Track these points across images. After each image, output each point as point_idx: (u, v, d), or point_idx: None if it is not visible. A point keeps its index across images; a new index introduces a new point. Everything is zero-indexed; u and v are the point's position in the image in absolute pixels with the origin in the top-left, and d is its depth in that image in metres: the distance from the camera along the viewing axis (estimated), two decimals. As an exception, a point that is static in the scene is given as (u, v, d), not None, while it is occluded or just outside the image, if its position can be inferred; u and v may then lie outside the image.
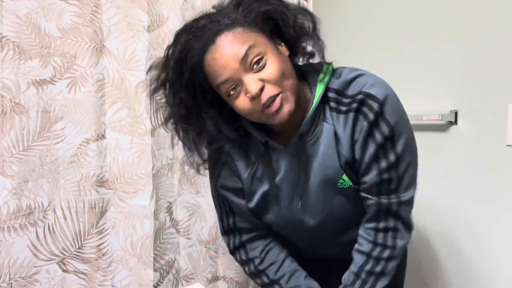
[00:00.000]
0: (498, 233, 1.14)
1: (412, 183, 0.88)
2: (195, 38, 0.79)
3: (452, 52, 1.24)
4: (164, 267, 1.47)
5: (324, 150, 0.87)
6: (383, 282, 0.90)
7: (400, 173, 0.84)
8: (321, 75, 0.86)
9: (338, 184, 0.89)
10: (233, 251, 1.06)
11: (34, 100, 1.25)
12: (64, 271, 1.32)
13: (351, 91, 0.83)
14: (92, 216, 1.34)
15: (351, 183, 0.88)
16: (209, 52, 0.78)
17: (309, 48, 0.88)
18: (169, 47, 0.83)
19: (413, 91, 1.34)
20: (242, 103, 0.79)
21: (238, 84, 0.78)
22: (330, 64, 0.88)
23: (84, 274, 1.34)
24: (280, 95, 0.78)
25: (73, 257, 1.33)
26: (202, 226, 1.54)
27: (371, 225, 0.90)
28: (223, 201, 1.03)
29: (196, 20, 0.82)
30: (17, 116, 1.23)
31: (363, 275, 0.90)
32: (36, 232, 1.27)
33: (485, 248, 1.17)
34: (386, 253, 0.89)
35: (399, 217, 0.87)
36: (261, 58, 0.77)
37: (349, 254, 0.96)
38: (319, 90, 0.84)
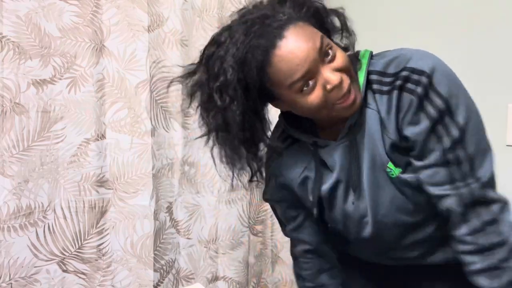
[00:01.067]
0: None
1: (487, 154, 0.78)
2: (256, 35, 0.72)
3: (452, 52, 1.24)
4: (164, 267, 1.47)
5: (369, 137, 0.80)
6: None
7: (469, 149, 0.74)
8: (359, 64, 0.81)
9: (388, 171, 0.81)
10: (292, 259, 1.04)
11: (34, 100, 1.25)
12: (64, 271, 1.31)
13: (393, 68, 0.77)
14: (92, 216, 1.34)
15: (397, 172, 0.80)
16: (279, 48, 0.71)
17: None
18: (216, 47, 0.75)
19: (413, 91, 1.34)
20: (317, 96, 0.73)
21: (313, 77, 0.72)
22: (366, 50, 0.83)
23: (84, 274, 1.34)
24: (352, 85, 0.75)
25: (73, 257, 1.33)
26: (202, 226, 1.54)
27: (463, 231, 0.75)
28: (273, 210, 1.03)
29: (243, 16, 0.75)
30: (17, 116, 1.22)
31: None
32: (36, 232, 1.27)
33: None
34: (500, 254, 0.74)
35: (489, 202, 0.75)
36: (331, 48, 0.74)
37: (423, 259, 0.88)
38: (361, 79, 0.79)
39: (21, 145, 1.24)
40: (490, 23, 1.14)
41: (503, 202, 0.76)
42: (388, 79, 0.77)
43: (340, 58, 0.74)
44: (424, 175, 0.77)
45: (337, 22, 0.82)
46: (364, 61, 0.80)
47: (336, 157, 0.84)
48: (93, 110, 1.33)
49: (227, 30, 0.75)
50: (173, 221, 1.50)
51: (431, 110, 0.73)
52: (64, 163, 1.30)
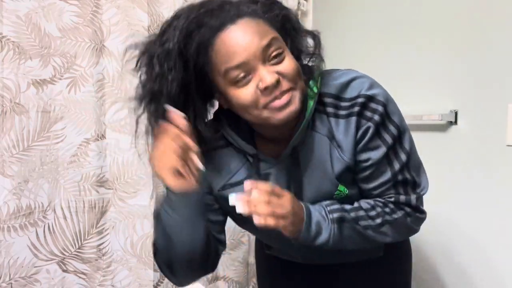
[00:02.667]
0: (498, 233, 1.14)
1: (422, 169, 0.86)
2: (209, 14, 0.73)
3: (452, 52, 1.24)
4: (164, 267, 1.47)
5: (316, 163, 0.82)
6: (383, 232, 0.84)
7: (412, 169, 0.82)
8: (311, 87, 0.80)
9: (335, 195, 0.84)
10: None
11: (34, 100, 1.25)
12: (64, 271, 1.32)
13: (349, 94, 0.79)
14: (92, 216, 1.34)
15: (347, 191, 0.84)
16: (227, 31, 0.71)
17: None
18: (173, 18, 0.76)
19: (413, 91, 1.34)
20: (248, 93, 0.72)
21: (250, 72, 0.72)
22: (319, 71, 0.82)
23: (84, 274, 1.34)
24: (291, 92, 0.73)
25: (73, 257, 1.33)
26: (202, 226, 1.54)
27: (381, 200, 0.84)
28: None
29: (210, 0, 0.76)
30: (17, 116, 1.23)
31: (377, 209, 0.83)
32: (36, 232, 1.27)
33: (485, 247, 1.17)
34: (389, 214, 0.83)
35: (415, 209, 0.84)
36: (281, 53, 0.73)
37: (350, 259, 0.93)
38: (311, 103, 0.79)
39: (21, 145, 1.24)
40: (490, 23, 1.14)
41: (423, 214, 0.87)
42: (345, 104, 0.79)
43: (288, 65, 0.73)
44: (370, 192, 0.84)
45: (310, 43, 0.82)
46: (315, 89, 0.80)
47: (275, 175, 0.85)
48: (93, 110, 1.33)
49: (188, 5, 0.76)
50: (173, 221, 1.50)
51: (387, 137, 0.79)
52: (64, 163, 1.30)
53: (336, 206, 0.82)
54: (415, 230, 0.89)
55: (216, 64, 0.73)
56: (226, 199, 0.81)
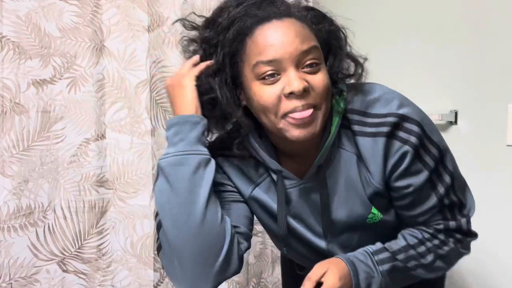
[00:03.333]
0: (498, 233, 1.14)
1: (467, 189, 0.81)
2: (258, 5, 0.71)
3: (452, 52, 1.24)
4: (164, 267, 1.47)
5: (345, 183, 0.76)
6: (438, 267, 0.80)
7: (459, 191, 0.77)
8: (337, 102, 0.75)
9: (368, 220, 0.79)
10: None
11: (34, 100, 1.25)
12: (64, 271, 1.31)
13: (377, 110, 0.73)
14: (92, 216, 1.34)
15: (381, 216, 0.79)
16: (270, 24, 0.68)
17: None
18: (225, 3, 0.74)
19: (413, 91, 1.34)
20: (271, 93, 0.68)
21: (279, 72, 0.68)
22: (344, 88, 0.77)
23: (84, 274, 1.34)
24: (315, 110, 0.69)
25: (73, 257, 1.33)
26: (202, 226, 1.54)
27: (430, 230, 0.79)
28: None
29: None
30: (17, 116, 1.23)
31: (428, 245, 0.78)
32: (36, 232, 1.27)
33: (484, 248, 1.17)
34: (440, 247, 0.78)
35: (467, 234, 0.80)
36: (318, 64, 0.69)
37: None
38: (336, 121, 0.74)
39: (21, 145, 1.24)
40: (490, 23, 1.14)
41: (475, 237, 0.83)
42: (371, 120, 0.73)
43: (320, 79, 0.69)
44: (413, 220, 0.79)
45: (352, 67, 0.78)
46: (341, 106, 0.75)
47: (293, 198, 0.80)
48: (93, 110, 1.33)
49: None
50: (173, 221, 1.50)
51: (428, 160, 0.73)
52: (64, 163, 1.30)
53: (385, 255, 0.77)
54: (466, 254, 0.83)
55: (249, 54, 0.69)
56: (256, 203, 0.81)
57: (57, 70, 1.29)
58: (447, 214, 0.77)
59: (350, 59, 0.77)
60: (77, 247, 1.33)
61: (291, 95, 0.67)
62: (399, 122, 0.71)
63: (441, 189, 0.75)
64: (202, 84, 0.75)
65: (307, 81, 0.68)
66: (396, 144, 0.71)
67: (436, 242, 0.78)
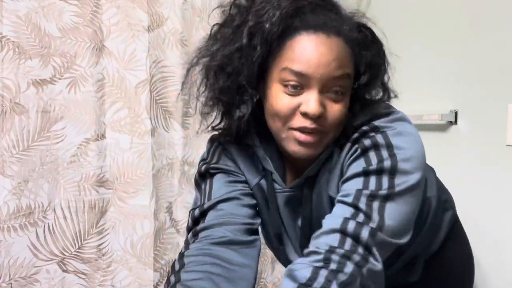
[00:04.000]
0: (498, 233, 1.14)
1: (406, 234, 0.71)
2: (313, 9, 0.67)
3: (452, 52, 1.24)
4: (164, 267, 1.47)
5: (328, 201, 0.75)
6: None
7: (388, 213, 0.69)
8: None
9: None
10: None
11: (34, 100, 1.25)
12: (64, 271, 1.31)
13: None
14: (92, 216, 1.34)
15: None
16: (313, 36, 0.65)
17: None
18: None
19: (413, 91, 1.34)
20: (287, 104, 0.67)
21: (303, 87, 0.66)
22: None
23: (84, 274, 1.34)
24: (322, 134, 0.68)
25: (73, 257, 1.32)
26: (202, 226, 1.54)
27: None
28: (201, 184, 0.83)
29: None
30: (17, 116, 1.23)
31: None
32: (36, 232, 1.27)
33: (485, 247, 1.17)
34: (337, 272, 0.58)
35: (367, 249, 0.63)
36: (342, 93, 0.68)
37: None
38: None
39: (21, 145, 1.23)
40: (490, 23, 1.14)
41: (379, 268, 0.62)
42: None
43: (337, 111, 0.67)
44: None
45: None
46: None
47: (283, 203, 0.79)
48: (93, 110, 1.33)
49: None
50: (173, 221, 1.50)
51: (373, 159, 0.70)
52: (64, 163, 1.30)
53: None
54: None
55: (282, 56, 0.67)
56: (260, 193, 0.80)
57: (57, 70, 1.29)
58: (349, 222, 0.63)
59: (382, 88, 0.76)
60: (77, 247, 1.33)
61: (305, 115, 0.66)
62: (368, 131, 0.69)
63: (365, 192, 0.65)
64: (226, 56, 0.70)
65: (325, 107, 0.67)
66: (353, 147, 0.70)
67: (332, 267, 0.58)
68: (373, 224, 0.62)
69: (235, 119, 0.74)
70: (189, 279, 0.66)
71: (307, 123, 0.66)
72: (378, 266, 0.61)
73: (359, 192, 0.65)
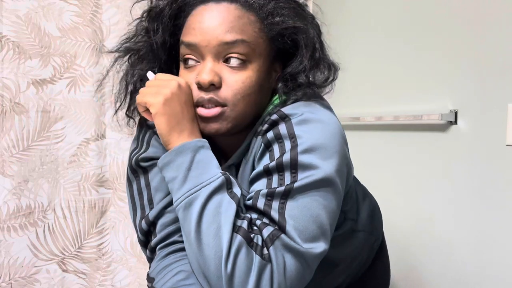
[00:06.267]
0: (498, 232, 1.14)
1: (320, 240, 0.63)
2: None
3: (452, 52, 1.24)
4: (164, 267, 1.47)
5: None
6: None
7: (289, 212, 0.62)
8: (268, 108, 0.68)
9: None
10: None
11: (34, 100, 1.25)
12: (64, 271, 1.32)
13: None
14: (92, 216, 1.34)
15: None
16: (205, 7, 0.64)
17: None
18: None
19: (413, 91, 1.34)
20: (188, 79, 0.64)
21: (198, 59, 0.64)
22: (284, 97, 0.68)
23: (84, 274, 1.34)
24: (223, 109, 0.63)
25: (73, 257, 1.33)
26: (202, 226, 1.54)
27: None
28: (136, 181, 0.74)
29: None
30: (17, 116, 1.23)
31: None
32: (36, 232, 1.27)
33: (485, 247, 1.17)
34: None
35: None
36: (242, 63, 0.63)
37: None
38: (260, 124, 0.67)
39: (21, 145, 1.24)
40: (490, 23, 1.14)
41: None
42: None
43: (238, 80, 0.62)
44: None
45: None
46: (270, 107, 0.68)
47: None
48: (93, 110, 1.33)
49: None
50: (173, 221, 1.50)
51: (276, 151, 0.66)
52: (64, 163, 1.30)
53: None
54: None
55: (182, 32, 0.66)
56: None
57: (57, 70, 1.29)
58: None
59: (316, 64, 0.68)
60: (77, 247, 1.33)
61: (199, 86, 0.63)
62: (278, 120, 0.63)
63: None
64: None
65: (221, 77, 0.62)
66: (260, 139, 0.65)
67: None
68: (274, 225, 0.56)
69: None
70: None
71: (202, 94, 0.62)
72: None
73: (257, 193, 0.59)
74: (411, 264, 1.36)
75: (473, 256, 1.20)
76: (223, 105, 0.63)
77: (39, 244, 1.28)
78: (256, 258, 0.54)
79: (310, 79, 0.67)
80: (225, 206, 0.57)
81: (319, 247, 0.57)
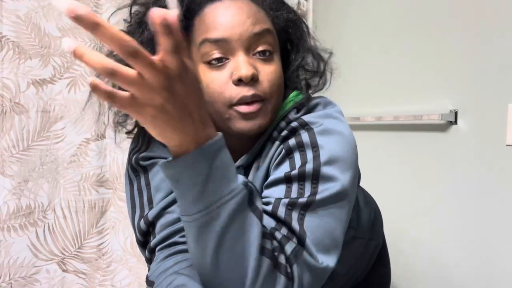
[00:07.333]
0: (498, 232, 1.14)
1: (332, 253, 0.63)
2: None
3: (452, 52, 1.24)
4: (164, 267, 1.47)
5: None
6: None
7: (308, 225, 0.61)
8: (285, 105, 0.68)
9: None
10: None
11: (34, 100, 1.25)
12: (64, 271, 1.32)
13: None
14: (92, 216, 1.34)
15: None
16: (219, 3, 0.62)
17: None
18: None
19: (413, 91, 1.34)
20: (220, 79, 0.61)
21: (227, 55, 0.61)
22: (300, 94, 0.69)
23: (84, 274, 1.34)
24: (264, 102, 0.62)
25: (73, 257, 1.33)
26: (202, 226, 1.54)
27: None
28: (133, 182, 0.72)
29: None
30: (17, 116, 1.23)
31: None
32: (36, 232, 1.27)
33: (485, 247, 1.17)
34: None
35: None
36: (271, 53, 0.63)
37: None
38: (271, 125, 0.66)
39: (21, 145, 1.24)
40: (490, 23, 1.14)
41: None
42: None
43: (272, 70, 0.62)
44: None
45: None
46: (281, 112, 0.67)
47: None
48: (93, 110, 1.33)
49: None
50: (173, 221, 1.50)
51: (297, 161, 0.65)
52: (64, 163, 1.30)
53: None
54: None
55: (196, 34, 0.62)
56: None
57: (57, 70, 1.29)
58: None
59: (311, 53, 0.70)
60: (77, 247, 1.33)
61: (240, 81, 0.60)
62: (298, 128, 0.63)
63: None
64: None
65: (257, 69, 0.61)
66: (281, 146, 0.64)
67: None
68: (293, 236, 0.55)
69: None
70: None
71: (245, 91, 0.60)
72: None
73: (278, 201, 0.57)
74: (411, 264, 1.36)
75: (473, 256, 1.20)
76: (263, 99, 0.62)
77: (39, 244, 1.28)
78: (281, 279, 0.52)
79: (317, 68, 0.69)
80: (249, 225, 0.51)
81: (332, 261, 0.57)
